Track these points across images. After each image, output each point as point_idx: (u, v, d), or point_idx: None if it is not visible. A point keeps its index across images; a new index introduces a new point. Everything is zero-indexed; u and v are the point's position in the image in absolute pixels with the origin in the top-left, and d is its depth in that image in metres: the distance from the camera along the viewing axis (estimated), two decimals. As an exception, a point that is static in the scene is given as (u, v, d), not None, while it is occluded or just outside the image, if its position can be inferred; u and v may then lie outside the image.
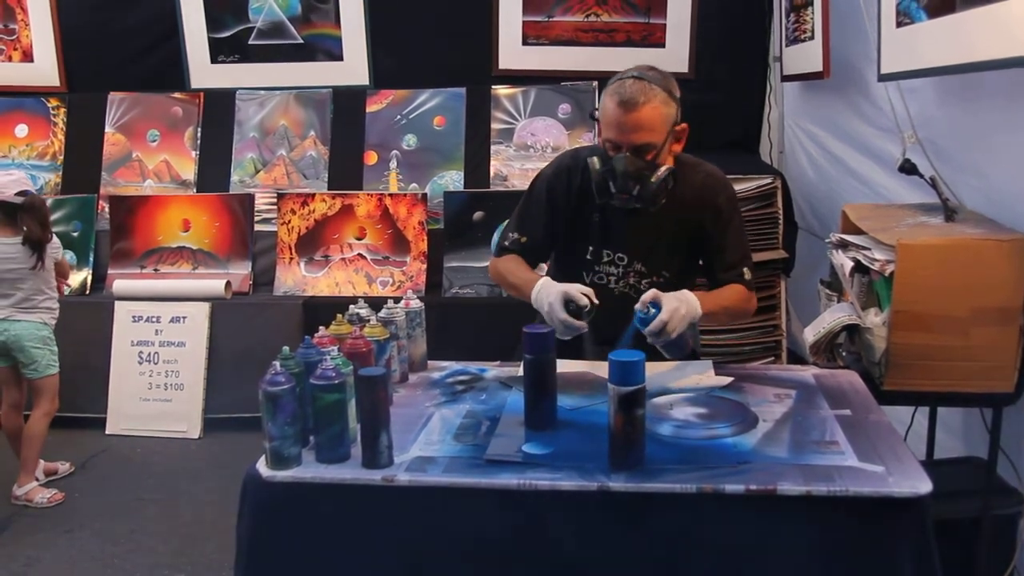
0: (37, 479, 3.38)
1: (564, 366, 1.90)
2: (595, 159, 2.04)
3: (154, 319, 4.03)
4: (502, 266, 2.20)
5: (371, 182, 4.37)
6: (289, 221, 4.21)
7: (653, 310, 1.88)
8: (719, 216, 2.12)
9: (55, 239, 3.43)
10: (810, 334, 2.23)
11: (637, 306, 1.89)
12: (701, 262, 2.21)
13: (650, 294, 1.91)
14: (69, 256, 4.23)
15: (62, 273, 3.57)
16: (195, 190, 4.47)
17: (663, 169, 2.00)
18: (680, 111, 2.04)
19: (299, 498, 1.58)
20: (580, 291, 1.94)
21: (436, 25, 4.34)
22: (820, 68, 3.32)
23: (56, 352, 3.40)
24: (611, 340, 2.07)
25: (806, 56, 3.52)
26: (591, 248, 2.16)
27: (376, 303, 2.04)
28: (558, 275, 2.15)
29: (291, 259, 4.19)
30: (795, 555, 1.50)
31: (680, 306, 1.89)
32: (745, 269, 2.14)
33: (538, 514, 1.54)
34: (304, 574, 1.61)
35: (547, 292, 1.97)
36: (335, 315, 1.91)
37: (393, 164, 4.38)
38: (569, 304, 1.92)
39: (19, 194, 3.27)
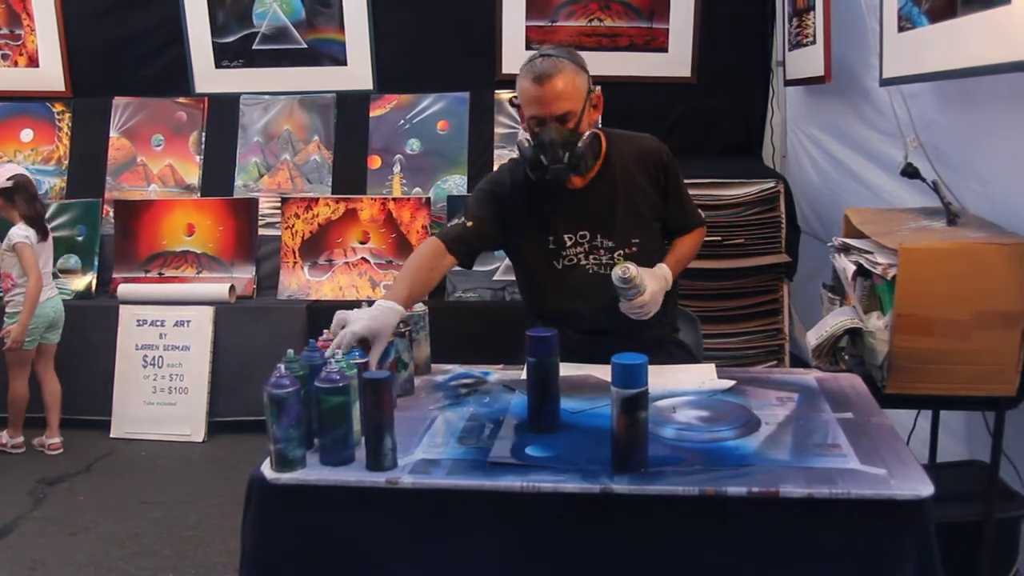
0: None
1: (567, 369, 1.90)
2: (523, 139, 2.13)
3: (158, 323, 4.04)
4: (418, 249, 2.20)
5: (375, 186, 4.38)
6: (293, 225, 4.22)
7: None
8: (666, 171, 2.22)
9: (21, 225, 3.65)
10: (812, 337, 2.23)
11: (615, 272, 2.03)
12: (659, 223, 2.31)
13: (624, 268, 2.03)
14: (73, 261, 4.26)
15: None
16: (199, 194, 4.49)
17: (587, 134, 2.10)
18: (590, 80, 2.13)
19: (303, 500, 1.58)
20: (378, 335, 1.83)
21: (440, 30, 4.36)
22: (822, 72, 3.32)
23: None
24: (595, 331, 2.16)
25: (808, 60, 3.53)
26: (551, 238, 2.21)
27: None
28: (527, 282, 2.28)
29: (295, 263, 4.20)
30: (797, 558, 1.50)
31: (658, 290, 2.09)
32: (698, 212, 2.37)
33: (541, 516, 1.54)
34: (308, 576, 1.62)
35: (360, 315, 1.85)
36: (339, 319, 1.91)
37: (397, 168, 4.39)
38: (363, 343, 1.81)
39: None
